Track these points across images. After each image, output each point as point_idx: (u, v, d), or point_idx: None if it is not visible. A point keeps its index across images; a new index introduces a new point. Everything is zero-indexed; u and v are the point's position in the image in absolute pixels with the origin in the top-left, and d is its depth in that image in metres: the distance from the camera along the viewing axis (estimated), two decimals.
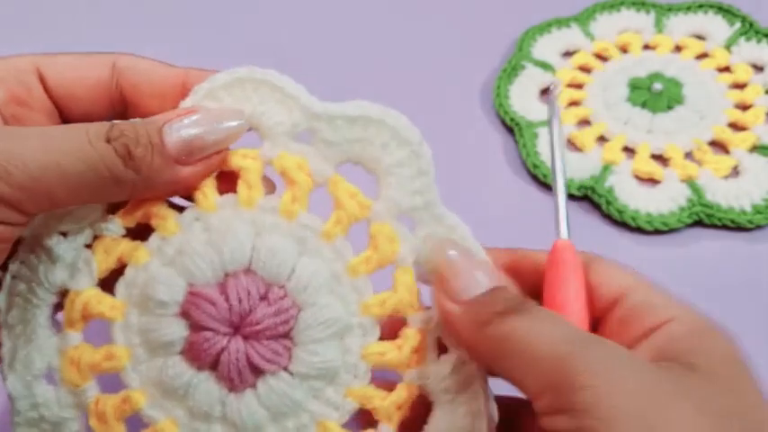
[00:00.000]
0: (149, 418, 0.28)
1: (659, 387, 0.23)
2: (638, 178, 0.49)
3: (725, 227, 0.46)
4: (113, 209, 0.29)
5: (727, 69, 0.54)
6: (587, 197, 0.48)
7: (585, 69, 0.56)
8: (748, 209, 0.46)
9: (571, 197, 0.48)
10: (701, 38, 0.57)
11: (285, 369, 0.27)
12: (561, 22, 0.58)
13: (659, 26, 0.58)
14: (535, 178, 0.50)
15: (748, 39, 0.55)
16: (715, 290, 0.43)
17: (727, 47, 0.55)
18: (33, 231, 0.28)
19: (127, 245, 0.29)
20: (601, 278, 0.29)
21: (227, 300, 0.27)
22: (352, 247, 0.29)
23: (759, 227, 0.46)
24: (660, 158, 0.50)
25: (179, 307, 0.27)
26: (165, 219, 0.29)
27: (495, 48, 0.58)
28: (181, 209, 0.29)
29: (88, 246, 0.29)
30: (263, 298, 0.27)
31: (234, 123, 0.29)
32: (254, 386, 0.27)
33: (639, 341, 0.26)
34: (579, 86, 0.55)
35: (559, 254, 0.30)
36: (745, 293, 0.43)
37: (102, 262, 0.28)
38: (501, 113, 0.53)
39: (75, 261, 0.28)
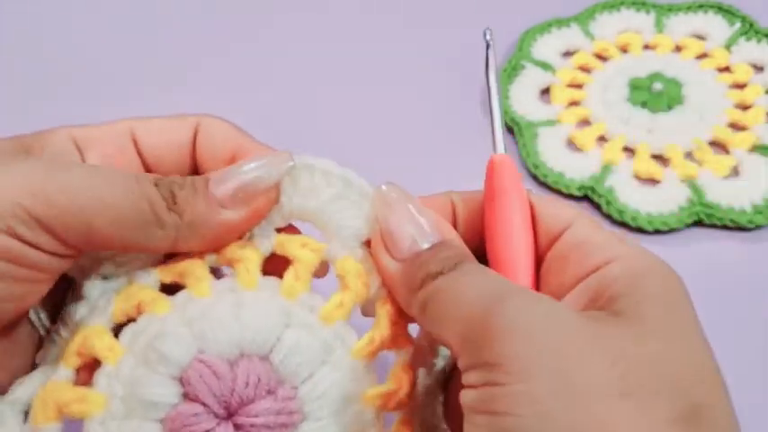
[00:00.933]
0: None
1: (578, 339, 0.22)
2: (639, 178, 0.49)
3: (725, 227, 0.46)
4: (157, 263, 0.28)
5: (727, 69, 0.54)
6: (587, 197, 0.48)
7: (585, 69, 0.56)
8: (748, 209, 0.46)
9: (571, 197, 0.48)
10: (701, 38, 0.57)
11: None
12: (561, 22, 0.58)
13: (659, 26, 0.58)
14: (535, 178, 0.50)
15: (748, 39, 0.55)
16: (715, 290, 0.43)
17: (728, 47, 0.55)
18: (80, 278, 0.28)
19: (150, 293, 0.27)
20: (545, 209, 0.28)
21: (234, 379, 0.25)
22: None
23: (759, 227, 0.46)
24: (660, 158, 0.50)
25: (180, 370, 0.25)
26: (199, 280, 0.27)
27: (495, 47, 0.58)
28: (220, 277, 0.29)
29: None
30: (271, 392, 0.25)
31: (281, 164, 0.28)
32: None
33: (577, 282, 0.26)
34: (579, 86, 0.55)
35: (497, 170, 0.29)
36: (746, 293, 0.43)
37: (119, 308, 0.27)
38: None
39: (98, 301, 0.27)
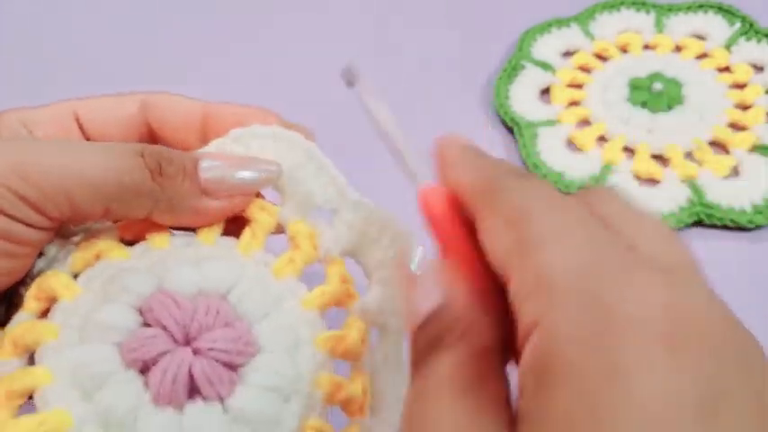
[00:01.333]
0: (42, 402, 0.24)
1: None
2: (639, 178, 0.49)
3: (725, 227, 0.46)
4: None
5: (727, 69, 0.54)
6: None
7: (585, 69, 0.56)
8: (748, 209, 0.46)
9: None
10: (701, 38, 0.57)
11: (221, 401, 0.25)
12: (561, 22, 0.58)
13: (659, 26, 0.58)
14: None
15: (748, 39, 0.55)
16: (715, 290, 0.43)
17: (728, 47, 0.55)
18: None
19: (110, 243, 0.28)
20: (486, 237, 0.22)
21: (194, 309, 0.25)
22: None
23: (759, 227, 0.46)
24: (660, 158, 0.50)
25: (141, 301, 0.25)
26: (159, 234, 0.29)
27: (495, 47, 0.58)
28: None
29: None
30: (229, 324, 0.26)
31: (272, 169, 0.29)
32: (179, 407, 0.24)
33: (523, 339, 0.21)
34: (579, 86, 0.55)
35: (426, 206, 0.24)
36: (746, 293, 0.43)
37: (80, 252, 0.27)
38: (501, 113, 0.53)
39: (56, 254, 0.28)
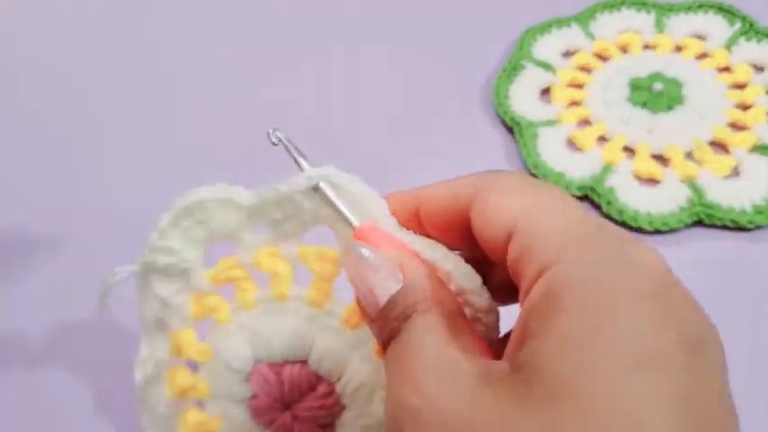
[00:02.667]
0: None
1: None
2: (639, 178, 0.49)
3: (725, 227, 0.46)
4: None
5: (727, 69, 0.54)
6: (587, 197, 0.48)
7: (586, 69, 0.56)
8: (748, 209, 0.46)
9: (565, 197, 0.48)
10: (701, 38, 0.57)
11: None
12: (561, 22, 0.58)
13: (659, 26, 0.58)
14: (535, 178, 0.49)
15: (748, 39, 0.55)
16: (715, 290, 0.43)
17: (728, 47, 0.55)
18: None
19: (215, 302, 0.31)
20: (486, 215, 0.24)
21: (280, 384, 0.31)
22: None
23: (759, 227, 0.46)
24: (660, 158, 0.50)
25: (245, 375, 0.31)
26: (245, 292, 0.31)
27: (495, 47, 0.58)
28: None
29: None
30: (312, 390, 0.31)
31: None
32: None
33: (530, 285, 0.22)
34: (579, 86, 0.55)
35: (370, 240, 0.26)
36: (746, 293, 0.43)
37: (195, 309, 0.31)
38: (501, 113, 0.53)
39: (170, 301, 0.31)
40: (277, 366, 0.31)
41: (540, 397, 0.18)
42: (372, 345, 0.31)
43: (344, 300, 0.31)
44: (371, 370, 0.31)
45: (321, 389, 0.31)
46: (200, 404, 0.33)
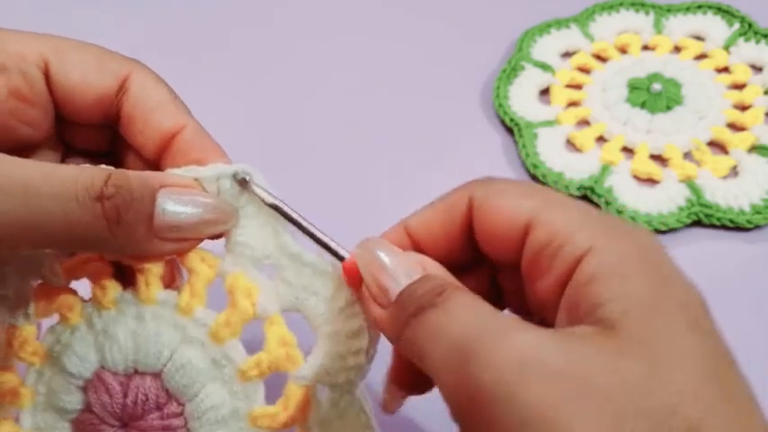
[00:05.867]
0: None
1: (563, 385, 0.20)
2: (638, 178, 0.49)
3: (724, 227, 0.46)
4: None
5: (725, 70, 0.55)
6: (586, 197, 0.48)
7: (585, 70, 0.56)
8: (747, 209, 0.46)
9: (570, 197, 0.49)
10: (699, 38, 0.57)
11: None
12: (560, 23, 0.58)
13: (658, 27, 0.58)
14: (534, 178, 0.50)
15: (747, 39, 0.56)
16: (714, 290, 0.43)
17: (726, 47, 0.55)
18: None
19: (66, 300, 0.29)
20: (495, 218, 0.26)
21: (124, 396, 0.28)
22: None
23: (758, 227, 0.46)
24: (659, 159, 0.50)
25: (84, 382, 0.28)
26: (105, 290, 0.28)
27: (495, 48, 0.58)
28: (125, 275, 0.29)
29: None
30: (159, 408, 0.28)
31: (226, 219, 0.28)
32: None
33: (557, 291, 0.24)
34: (578, 87, 0.55)
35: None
36: (745, 293, 0.44)
37: (40, 308, 0.29)
38: (501, 114, 0.53)
39: (18, 299, 0.29)
40: (124, 377, 0.28)
41: (634, 351, 0.21)
42: (235, 367, 0.28)
43: (215, 312, 0.29)
44: (229, 395, 0.28)
45: (169, 408, 0.28)
46: (17, 415, 0.29)
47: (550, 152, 0.50)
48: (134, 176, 0.26)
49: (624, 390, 0.20)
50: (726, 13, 0.57)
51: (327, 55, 0.59)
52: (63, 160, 0.32)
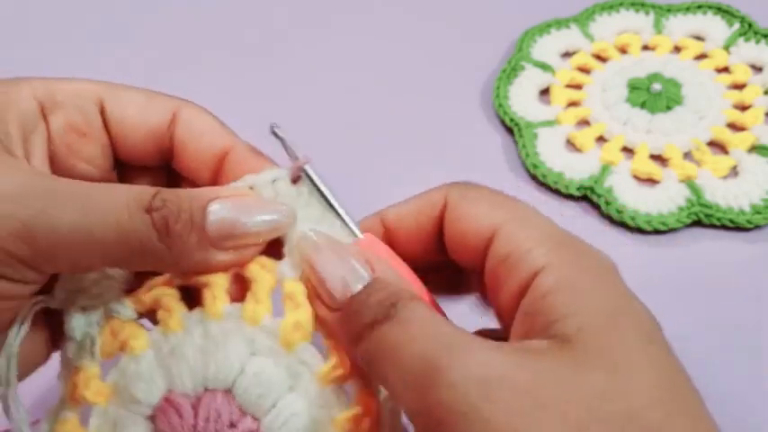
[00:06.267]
0: None
1: (526, 400, 0.21)
2: (638, 178, 0.49)
3: (724, 227, 0.46)
4: (128, 286, 0.29)
5: (725, 70, 0.55)
6: (586, 197, 0.48)
7: (585, 70, 0.56)
8: (747, 209, 0.46)
9: (570, 197, 0.49)
10: (699, 38, 0.57)
11: None
12: (560, 23, 0.58)
13: (658, 27, 0.58)
14: (534, 178, 0.50)
15: (747, 39, 0.56)
16: (714, 290, 0.43)
17: (726, 47, 0.55)
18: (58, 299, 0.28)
19: (131, 331, 0.28)
20: (462, 225, 0.27)
21: (195, 416, 0.26)
22: None
23: (758, 227, 0.46)
24: (659, 159, 0.50)
25: (151, 410, 0.27)
26: (170, 313, 0.28)
27: (495, 48, 0.58)
28: (192, 298, 0.28)
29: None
30: (233, 425, 0.26)
31: (282, 219, 0.27)
32: None
33: (516, 301, 0.24)
34: (578, 87, 0.55)
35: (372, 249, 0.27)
36: (744, 293, 0.44)
37: (106, 345, 0.28)
38: (501, 114, 0.53)
39: (84, 340, 0.28)
40: (194, 396, 0.27)
41: (593, 363, 0.22)
42: (312, 373, 0.27)
43: (281, 317, 0.28)
44: (311, 403, 0.27)
45: (244, 424, 0.26)
46: None
47: (550, 152, 0.50)
48: (183, 191, 0.26)
49: (585, 400, 0.21)
50: (726, 13, 0.57)
51: (327, 55, 0.59)
52: None
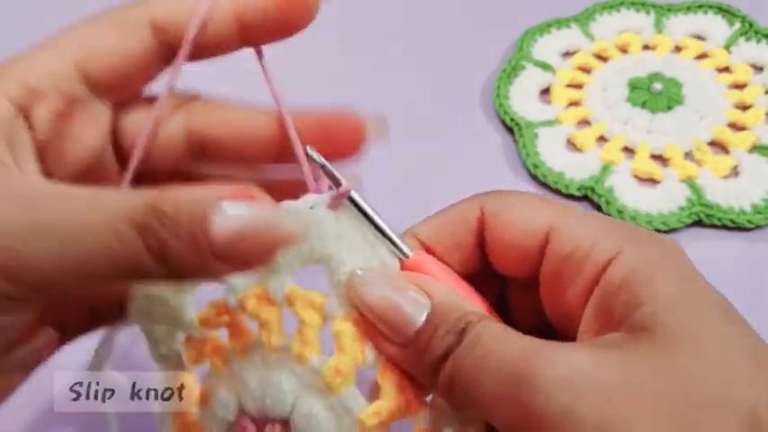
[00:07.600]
0: None
1: (618, 396, 0.21)
2: (638, 178, 0.49)
3: (724, 227, 0.46)
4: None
5: (726, 69, 0.54)
6: (587, 197, 0.48)
7: (585, 69, 0.56)
8: (748, 209, 0.46)
9: (571, 197, 0.48)
10: (700, 38, 0.57)
11: None
12: (561, 23, 0.58)
13: (659, 26, 0.58)
14: (535, 178, 0.50)
15: (748, 39, 0.55)
16: None
17: (727, 47, 0.55)
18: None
19: (212, 346, 0.29)
20: (511, 230, 0.26)
21: None
22: None
23: (758, 227, 0.46)
24: (660, 158, 0.50)
25: (230, 425, 0.29)
26: (238, 337, 0.28)
27: (495, 48, 0.58)
28: None
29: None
30: None
31: (295, 232, 0.23)
32: None
33: (585, 298, 0.24)
34: (579, 86, 0.55)
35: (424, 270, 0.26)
36: (745, 293, 0.43)
37: (191, 361, 0.29)
38: (501, 113, 0.53)
39: (170, 351, 0.29)
40: (259, 422, 0.28)
41: (676, 347, 0.22)
42: (354, 419, 0.26)
43: (328, 356, 0.27)
44: None
45: None
46: None
47: (551, 152, 0.50)
48: (185, 196, 0.22)
49: (677, 387, 0.21)
50: (726, 12, 0.57)
51: (327, 55, 0.59)
52: None
